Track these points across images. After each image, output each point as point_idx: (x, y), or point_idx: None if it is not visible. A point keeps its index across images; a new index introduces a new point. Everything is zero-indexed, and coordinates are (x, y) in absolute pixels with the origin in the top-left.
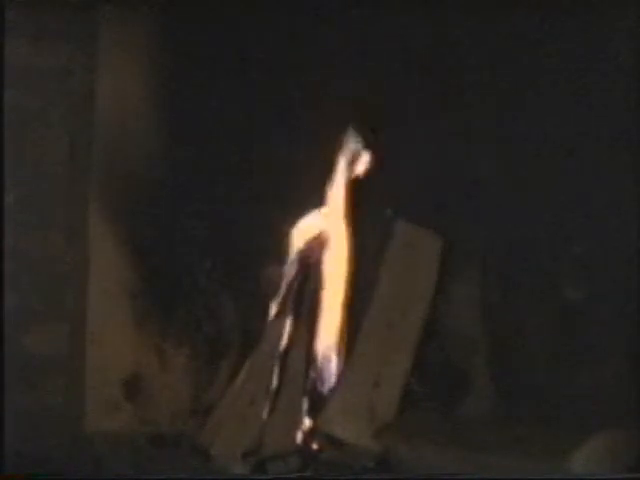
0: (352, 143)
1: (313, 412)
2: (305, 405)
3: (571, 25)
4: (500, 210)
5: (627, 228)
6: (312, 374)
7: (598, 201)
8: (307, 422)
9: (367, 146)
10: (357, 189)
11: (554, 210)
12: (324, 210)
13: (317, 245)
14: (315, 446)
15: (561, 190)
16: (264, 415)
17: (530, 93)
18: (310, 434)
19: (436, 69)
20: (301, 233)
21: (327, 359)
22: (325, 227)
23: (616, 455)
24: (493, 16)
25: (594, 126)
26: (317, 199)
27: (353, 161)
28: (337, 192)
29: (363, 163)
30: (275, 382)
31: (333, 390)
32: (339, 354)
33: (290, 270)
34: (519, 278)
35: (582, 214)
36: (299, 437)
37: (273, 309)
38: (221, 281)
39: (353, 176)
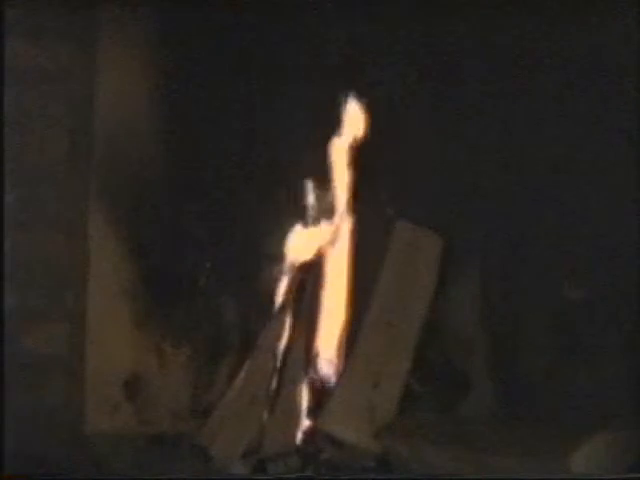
0: (352, 144)
1: (313, 412)
2: (305, 405)
3: (571, 25)
4: (500, 210)
5: (627, 228)
6: (312, 374)
7: (598, 201)
8: (307, 422)
9: (367, 147)
10: (357, 189)
11: (554, 210)
12: (324, 210)
13: (317, 245)
14: (315, 446)
15: (561, 190)
16: (264, 415)
17: (530, 93)
18: (310, 434)
19: (436, 69)
20: (301, 233)
21: (327, 359)
22: (325, 227)
23: (616, 455)
24: (493, 16)
25: (594, 126)
26: (317, 199)
27: (353, 162)
28: (337, 192)
29: (363, 164)
30: (275, 382)
31: (333, 390)
32: (339, 354)
33: (290, 270)
34: (519, 278)
35: (582, 214)
36: (299, 437)
37: (273, 309)
38: (221, 281)
39: (353, 177)
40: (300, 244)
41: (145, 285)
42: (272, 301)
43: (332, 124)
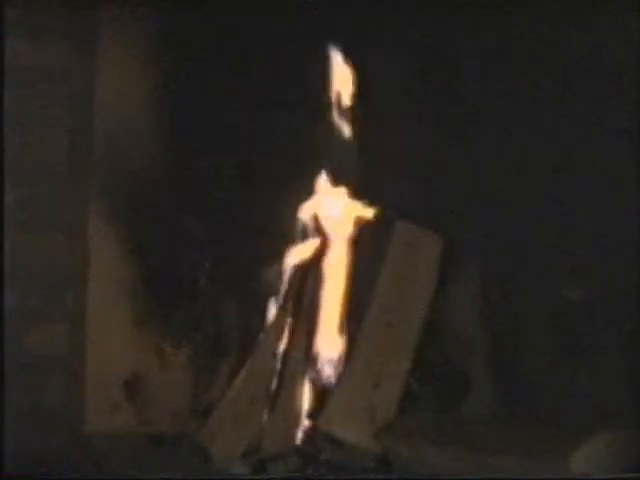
0: (352, 146)
1: (313, 412)
2: (305, 405)
3: (571, 25)
4: (500, 210)
5: (627, 228)
6: (312, 374)
7: (598, 201)
8: (307, 422)
9: (367, 147)
10: (358, 189)
11: (554, 210)
12: (324, 210)
13: (317, 245)
14: (315, 446)
15: (561, 190)
16: (264, 415)
17: (530, 93)
18: (310, 434)
19: (436, 69)
20: (301, 233)
21: (327, 359)
22: (325, 227)
23: (616, 455)
24: (493, 16)
25: (594, 126)
26: (317, 199)
27: (353, 162)
28: (337, 191)
29: (363, 164)
30: (275, 382)
31: (333, 390)
32: (339, 354)
33: (290, 270)
34: (519, 278)
35: (582, 214)
36: (299, 437)
37: (273, 309)
38: (221, 281)
39: (353, 176)
40: (300, 244)
41: (145, 285)
42: (272, 301)
43: (332, 124)
